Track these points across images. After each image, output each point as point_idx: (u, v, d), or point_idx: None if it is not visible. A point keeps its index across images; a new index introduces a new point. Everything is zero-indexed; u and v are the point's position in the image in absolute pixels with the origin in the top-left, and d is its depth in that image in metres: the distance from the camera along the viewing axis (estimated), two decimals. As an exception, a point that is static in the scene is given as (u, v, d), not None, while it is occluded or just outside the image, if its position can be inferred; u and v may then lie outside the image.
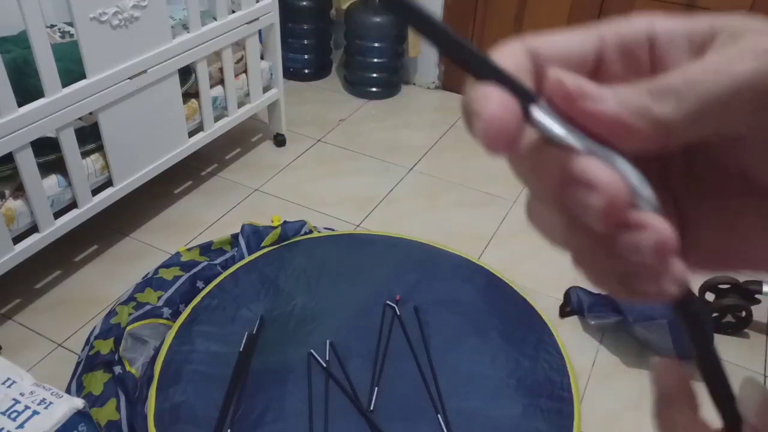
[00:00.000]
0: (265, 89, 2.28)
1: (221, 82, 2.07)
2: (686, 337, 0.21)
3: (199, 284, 1.65)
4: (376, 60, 2.71)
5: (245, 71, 2.16)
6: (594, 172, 0.18)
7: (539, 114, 0.19)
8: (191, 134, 2.01)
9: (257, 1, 2.07)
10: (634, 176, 0.19)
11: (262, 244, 1.77)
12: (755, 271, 0.23)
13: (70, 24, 1.86)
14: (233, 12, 2.00)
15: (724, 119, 0.19)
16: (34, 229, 1.59)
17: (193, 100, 1.99)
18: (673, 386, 0.22)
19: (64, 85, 1.52)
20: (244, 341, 1.48)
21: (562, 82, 0.19)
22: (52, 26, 1.97)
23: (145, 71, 1.72)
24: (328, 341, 1.50)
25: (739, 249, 0.22)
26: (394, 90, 2.83)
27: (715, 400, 0.21)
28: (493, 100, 0.19)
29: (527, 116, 0.19)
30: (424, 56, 2.82)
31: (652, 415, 0.23)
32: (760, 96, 0.18)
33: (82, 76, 1.57)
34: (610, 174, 0.18)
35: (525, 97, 0.19)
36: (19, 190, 1.55)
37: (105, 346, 1.47)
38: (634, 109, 0.18)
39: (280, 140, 2.41)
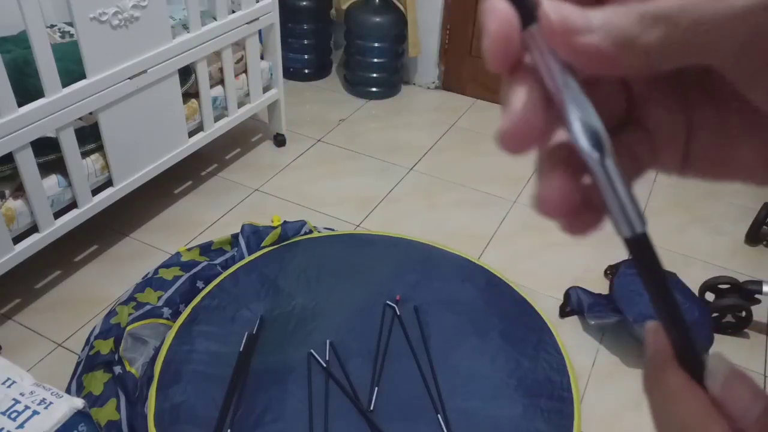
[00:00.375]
0: (265, 89, 2.28)
1: (221, 82, 2.07)
2: (642, 282, 0.21)
3: (199, 284, 1.65)
4: (376, 60, 2.71)
5: (245, 71, 2.16)
6: (509, 98, 0.20)
7: (529, 38, 0.19)
8: (191, 134, 2.01)
9: (257, 1, 2.07)
10: (590, 126, 0.19)
11: (262, 244, 1.77)
12: (743, 182, 0.23)
13: (70, 24, 1.86)
14: (233, 12, 2.00)
15: (710, 51, 0.19)
16: (34, 229, 1.59)
17: (193, 100, 1.99)
18: (667, 349, 0.22)
19: (64, 85, 1.52)
20: (244, 341, 1.48)
21: (548, 16, 0.19)
22: (52, 26, 1.97)
23: (145, 71, 1.72)
24: (328, 341, 1.50)
25: (733, 160, 0.23)
26: (394, 90, 2.83)
27: (674, 345, 0.21)
28: (497, 17, 0.19)
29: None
30: (424, 56, 2.82)
31: (643, 378, 0.22)
32: (750, 30, 0.18)
33: (82, 76, 1.57)
34: (517, 109, 0.20)
35: (525, 15, 0.19)
36: (19, 190, 1.55)
37: (105, 346, 1.47)
38: (620, 40, 0.19)
39: (280, 140, 2.41)
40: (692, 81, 0.23)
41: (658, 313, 0.21)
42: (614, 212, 0.20)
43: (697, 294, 1.70)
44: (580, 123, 0.19)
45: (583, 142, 0.19)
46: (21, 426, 0.91)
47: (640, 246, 0.20)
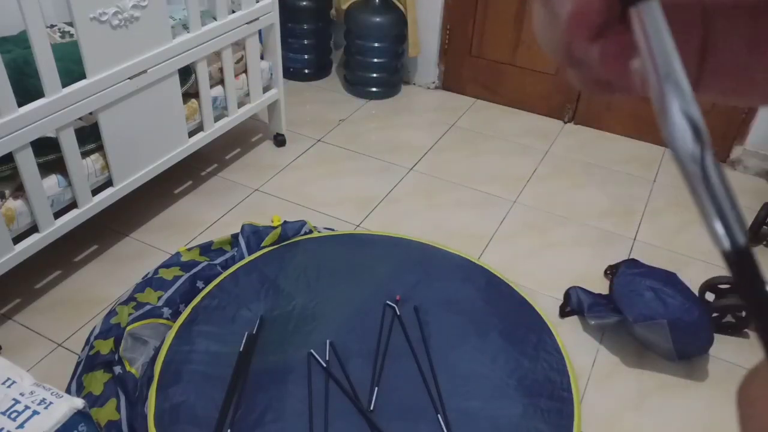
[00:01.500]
0: (265, 89, 2.28)
1: (221, 82, 2.07)
2: (741, 296, 0.18)
3: (199, 284, 1.65)
4: (376, 60, 2.71)
5: (245, 71, 2.16)
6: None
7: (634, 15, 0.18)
8: (191, 134, 2.01)
9: (257, 1, 2.07)
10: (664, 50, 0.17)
11: (262, 244, 1.77)
12: (762, 104, 0.22)
13: (70, 24, 1.86)
14: (233, 12, 2.00)
15: None
16: (34, 229, 1.59)
17: (193, 100, 1.99)
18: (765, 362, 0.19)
19: (64, 85, 1.52)
20: (244, 341, 1.48)
21: None
22: (52, 26, 1.97)
23: (145, 71, 1.72)
24: (328, 341, 1.50)
25: (758, 76, 0.21)
26: (394, 90, 2.83)
27: None
28: None
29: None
30: (424, 56, 2.82)
31: (738, 388, 0.20)
32: None
33: (82, 76, 1.57)
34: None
35: None
36: (19, 190, 1.55)
37: (105, 346, 1.47)
38: None
39: (280, 140, 2.41)
40: None
41: (761, 329, 0.18)
42: (712, 222, 0.17)
43: (697, 294, 1.70)
44: (681, 113, 0.17)
45: (683, 134, 0.17)
46: (21, 426, 0.91)
47: (741, 261, 0.17)
